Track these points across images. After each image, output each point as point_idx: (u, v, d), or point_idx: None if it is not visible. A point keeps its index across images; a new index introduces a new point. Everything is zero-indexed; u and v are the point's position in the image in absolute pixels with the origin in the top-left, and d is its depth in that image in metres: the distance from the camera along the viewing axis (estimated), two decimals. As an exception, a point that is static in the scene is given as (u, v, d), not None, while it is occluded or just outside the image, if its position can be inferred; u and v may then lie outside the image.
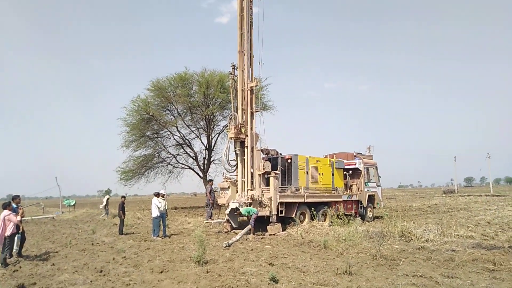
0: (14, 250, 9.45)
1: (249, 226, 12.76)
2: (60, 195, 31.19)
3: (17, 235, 9.36)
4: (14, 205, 9.40)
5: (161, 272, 7.53)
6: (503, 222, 15.36)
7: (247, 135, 14.25)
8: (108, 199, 23.71)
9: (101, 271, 7.71)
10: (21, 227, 9.53)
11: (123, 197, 15.41)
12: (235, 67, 15.22)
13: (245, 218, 14.69)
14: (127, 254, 9.62)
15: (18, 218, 9.08)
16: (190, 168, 31.78)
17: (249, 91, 14.61)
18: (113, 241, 12.30)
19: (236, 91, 15.05)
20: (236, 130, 14.15)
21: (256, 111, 15.00)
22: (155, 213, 13.10)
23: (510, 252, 8.44)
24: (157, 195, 13.61)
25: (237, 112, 14.68)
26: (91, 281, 6.93)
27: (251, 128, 14.42)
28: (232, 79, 15.41)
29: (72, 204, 31.00)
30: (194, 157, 30.97)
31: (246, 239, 11.94)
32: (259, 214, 13.63)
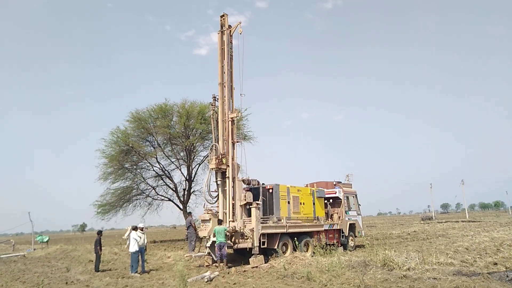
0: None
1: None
2: (33, 231, 29.83)
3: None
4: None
5: (141, 310, 7.24)
6: (480, 248, 15.67)
7: (228, 166, 14.26)
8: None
9: (76, 312, 7.33)
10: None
11: (100, 232, 14.90)
12: (216, 98, 15.44)
13: (231, 250, 14.49)
14: (104, 293, 9.21)
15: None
16: (169, 200, 31.22)
17: (230, 122, 14.78)
18: (89, 279, 11.76)
19: (217, 122, 15.18)
20: (217, 160, 14.15)
21: (237, 142, 15.12)
22: (133, 248, 12.67)
23: (489, 278, 8.58)
24: (136, 228, 13.23)
25: (218, 143, 14.73)
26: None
27: (232, 159, 14.45)
28: (213, 110, 15.58)
29: (45, 240, 29.62)
30: (174, 189, 30.52)
31: (228, 273, 11.68)
32: (239, 247, 13.48)
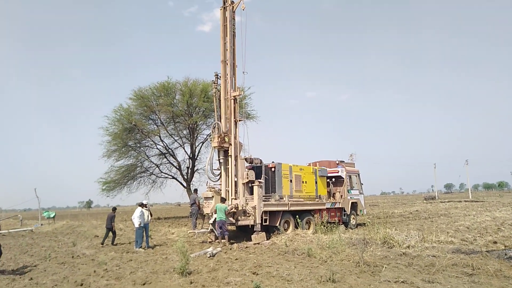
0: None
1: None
2: (40, 207, 30.37)
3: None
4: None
5: (144, 284, 7.41)
6: (481, 227, 15.78)
7: (230, 144, 14.27)
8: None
9: (81, 285, 7.53)
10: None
11: (114, 209, 15.22)
12: (218, 77, 15.28)
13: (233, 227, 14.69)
14: (108, 267, 9.42)
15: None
16: (173, 177, 31.48)
17: (232, 100, 14.67)
18: (94, 253, 12.03)
19: (219, 100, 15.09)
20: (219, 139, 14.15)
21: (240, 120, 15.05)
22: (138, 223, 12.90)
23: (488, 256, 8.67)
24: (141, 205, 13.44)
25: (220, 121, 14.69)
26: (71, 295, 6.77)
27: (235, 137, 14.44)
28: (215, 88, 15.45)
29: (52, 216, 30.21)
30: (177, 167, 30.70)
31: (230, 249, 11.88)
32: (242, 224, 13.66)
